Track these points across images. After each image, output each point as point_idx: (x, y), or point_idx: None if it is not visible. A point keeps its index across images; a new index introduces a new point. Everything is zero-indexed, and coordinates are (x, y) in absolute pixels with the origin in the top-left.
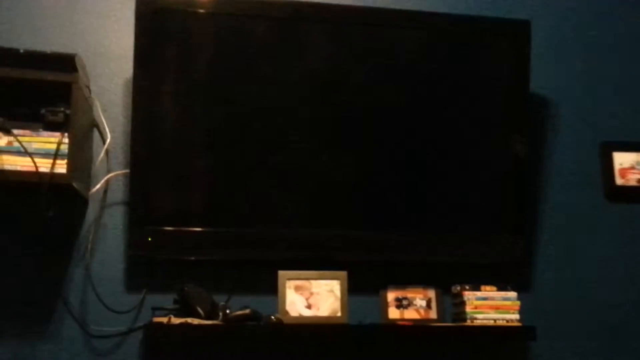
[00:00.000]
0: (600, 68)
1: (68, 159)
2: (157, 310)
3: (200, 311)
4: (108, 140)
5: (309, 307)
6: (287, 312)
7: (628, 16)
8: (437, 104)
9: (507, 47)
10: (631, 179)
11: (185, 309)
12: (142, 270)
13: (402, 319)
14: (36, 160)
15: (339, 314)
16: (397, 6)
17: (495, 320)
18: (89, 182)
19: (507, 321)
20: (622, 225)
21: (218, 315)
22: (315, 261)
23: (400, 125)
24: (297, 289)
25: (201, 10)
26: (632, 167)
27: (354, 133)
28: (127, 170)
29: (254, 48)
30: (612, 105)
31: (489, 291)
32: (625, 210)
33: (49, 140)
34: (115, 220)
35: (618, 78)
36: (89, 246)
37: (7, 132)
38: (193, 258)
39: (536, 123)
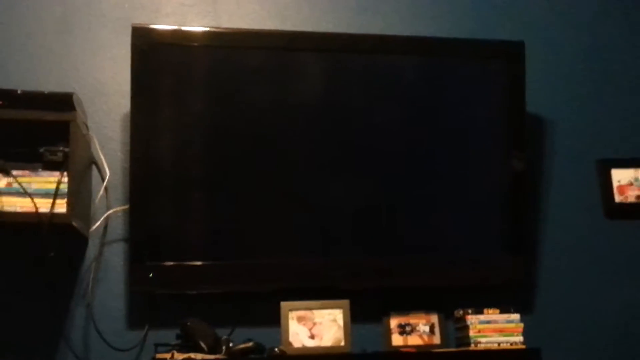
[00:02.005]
0: (595, 86)
1: (68, 198)
2: (160, 346)
3: (204, 346)
4: (107, 177)
5: (312, 337)
6: (290, 344)
7: (622, 33)
8: (435, 128)
9: (502, 68)
10: (630, 196)
11: (188, 344)
12: (144, 306)
13: (406, 346)
14: (36, 200)
15: (342, 343)
16: (391, 32)
17: (499, 343)
18: (88, 220)
19: (511, 344)
20: (622, 242)
21: (221, 349)
22: (317, 290)
23: (399, 150)
24: (300, 319)
25: (195, 44)
26: (631, 184)
27: (352, 159)
28: (127, 206)
29: (250, 79)
30: (609, 122)
31: (491, 314)
32: (625, 227)
33: (48, 180)
34: (115, 257)
35: (613, 95)
36: (90, 284)
37: (7, 173)
38: (194, 292)
39: (533, 143)
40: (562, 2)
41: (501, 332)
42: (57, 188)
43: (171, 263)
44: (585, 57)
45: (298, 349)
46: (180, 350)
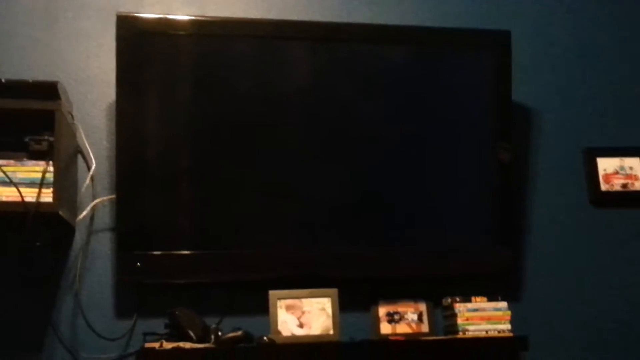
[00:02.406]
0: (580, 75)
1: (54, 188)
2: (148, 335)
3: (192, 335)
4: (93, 166)
5: (300, 326)
6: (279, 332)
7: (608, 23)
8: (422, 117)
9: (488, 57)
10: (616, 184)
11: (177, 333)
12: (132, 296)
13: (394, 334)
14: (22, 190)
15: (331, 332)
16: (379, 21)
17: (487, 331)
18: (75, 209)
19: (499, 332)
20: (608, 230)
21: (210, 338)
22: (305, 279)
23: (385, 139)
24: (289, 308)
25: (181, 32)
26: (616, 172)
27: (340, 149)
28: (113, 196)
29: (236, 67)
30: (595, 112)
31: (479, 302)
32: (611, 215)
33: (33, 169)
34: (103, 247)
35: (599, 84)
36: (78, 273)
37: None
38: (183, 281)
39: (520, 132)
40: None
41: (489, 320)
42: (43, 177)
43: (159, 252)
44: (571, 46)
45: (287, 337)
46: (168, 340)
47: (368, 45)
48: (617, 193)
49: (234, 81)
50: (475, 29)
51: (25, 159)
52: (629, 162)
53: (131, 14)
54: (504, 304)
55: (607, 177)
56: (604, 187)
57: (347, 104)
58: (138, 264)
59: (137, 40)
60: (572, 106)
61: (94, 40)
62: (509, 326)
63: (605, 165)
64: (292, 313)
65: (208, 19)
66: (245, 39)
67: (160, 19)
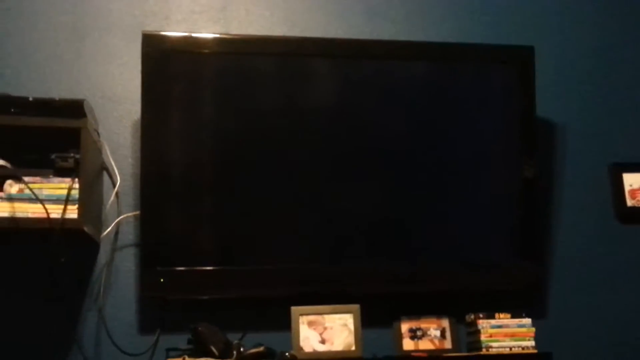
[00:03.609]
0: (605, 89)
1: (79, 204)
2: (171, 351)
3: (215, 350)
4: (118, 183)
5: (323, 342)
6: (301, 348)
7: (632, 37)
8: (446, 133)
9: (512, 73)
10: None
11: (199, 349)
12: (155, 312)
13: (417, 350)
14: (47, 206)
15: (353, 348)
16: (401, 38)
17: (510, 348)
18: (100, 226)
19: (523, 348)
20: (634, 246)
21: (232, 353)
22: (327, 295)
23: (409, 155)
24: (311, 324)
25: (206, 50)
26: None
27: (363, 165)
28: (138, 212)
29: (259, 85)
30: (620, 127)
31: (503, 319)
32: (637, 231)
33: (59, 186)
34: (127, 263)
35: (624, 98)
36: (102, 289)
37: (18, 179)
38: (206, 297)
39: (545, 147)
40: (572, 7)
41: (513, 336)
42: (69, 194)
43: (182, 268)
44: (595, 61)
45: (309, 353)
46: (191, 355)
47: (391, 61)
48: None
49: (258, 98)
50: (499, 45)
51: (51, 176)
52: None
53: (156, 33)
54: (528, 321)
55: (633, 192)
56: (630, 202)
57: (371, 120)
58: (161, 280)
59: (162, 58)
60: (597, 121)
61: (119, 59)
62: (533, 343)
63: (632, 180)
64: (314, 329)
65: (232, 36)
66: (269, 57)
67: (185, 37)
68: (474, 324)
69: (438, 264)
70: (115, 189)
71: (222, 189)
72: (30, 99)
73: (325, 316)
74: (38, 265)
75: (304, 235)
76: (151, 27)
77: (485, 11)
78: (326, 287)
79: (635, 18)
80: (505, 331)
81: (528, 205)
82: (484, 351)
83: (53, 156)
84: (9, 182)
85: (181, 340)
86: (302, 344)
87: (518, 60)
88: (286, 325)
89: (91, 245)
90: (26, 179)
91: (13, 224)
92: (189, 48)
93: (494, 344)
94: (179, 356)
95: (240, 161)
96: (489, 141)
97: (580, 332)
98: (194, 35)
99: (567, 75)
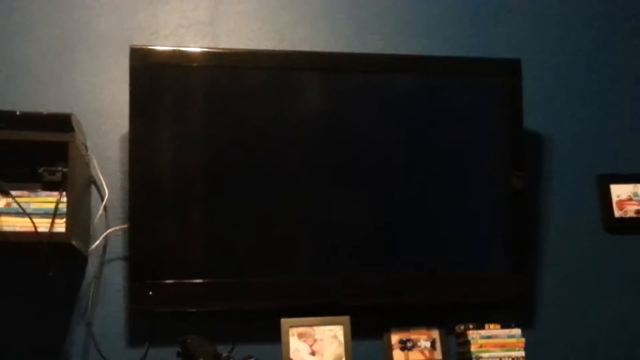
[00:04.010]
0: (592, 101)
1: (67, 218)
2: None
3: None
4: (106, 197)
5: (313, 353)
6: None
7: (620, 49)
8: (434, 146)
9: (499, 86)
10: (629, 211)
11: None
12: (144, 324)
13: None
14: (35, 220)
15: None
16: (389, 51)
17: (500, 358)
18: (88, 239)
19: (513, 359)
20: (622, 257)
21: None
22: (317, 307)
23: (397, 168)
24: (301, 336)
25: (194, 64)
26: (630, 199)
27: (353, 178)
28: (126, 225)
29: (248, 98)
30: (607, 138)
31: (493, 329)
32: (625, 242)
33: (47, 200)
34: (115, 276)
35: (611, 110)
36: (90, 303)
37: (6, 193)
38: (195, 310)
39: (532, 159)
40: (559, 20)
41: (503, 347)
42: (56, 208)
43: (171, 281)
44: (582, 73)
45: None
46: None
47: (379, 75)
48: (631, 219)
49: (246, 112)
50: (486, 58)
51: (39, 190)
52: None
53: (144, 47)
54: (517, 331)
55: (621, 203)
56: (617, 213)
57: (360, 133)
58: (150, 293)
59: (150, 72)
60: (584, 133)
61: (107, 73)
62: (523, 353)
63: (619, 191)
64: (304, 341)
65: (220, 50)
66: (257, 70)
67: (173, 51)
68: (463, 334)
69: (428, 275)
70: (104, 202)
71: (211, 201)
72: (18, 112)
73: (315, 328)
74: (26, 279)
75: (294, 247)
76: (139, 41)
77: (472, 24)
78: (316, 299)
79: (623, 30)
80: (495, 342)
81: (516, 217)
82: None
83: (41, 170)
84: None
85: (170, 353)
86: (292, 355)
87: (505, 73)
88: (276, 337)
89: (79, 259)
90: (13, 192)
91: (0, 237)
92: (177, 62)
93: (484, 355)
94: None
95: (228, 174)
96: (477, 153)
97: (569, 342)
98: (181, 49)
99: (554, 88)
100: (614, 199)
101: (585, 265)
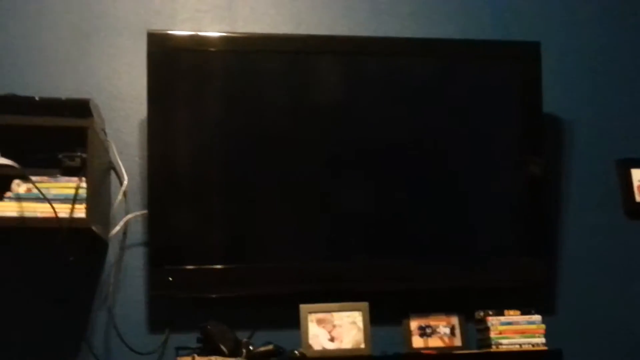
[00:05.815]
0: (612, 85)
1: (87, 203)
2: (180, 350)
3: (224, 349)
4: (125, 182)
5: (332, 339)
6: (310, 346)
7: (639, 32)
8: (452, 130)
9: (518, 69)
10: None
11: (208, 348)
12: (164, 310)
13: (427, 348)
14: (55, 205)
15: (362, 346)
16: (407, 35)
17: (520, 345)
18: (108, 225)
19: (533, 345)
20: None
21: (242, 352)
22: (336, 293)
23: (416, 152)
24: (320, 322)
25: (211, 49)
26: None
27: (370, 162)
28: (146, 211)
29: (265, 83)
30: (628, 122)
31: (512, 315)
32: None
33: (67, 185)
34: (135, 262)
35: (631, 93)
36: (111, 288)
37: (26, 179)
38: (214, 295)
39: (552, 144)
40: (579, 2)
41: (523, 333)
42: (76, 193)
43: (191, 267)
44: (602, 56)
45: (318, 351)
46: (200, 354)
47: (397, 58)
48: None
49: (264, 96)
50: (505, 41)
51: (58, 176)
52: None
53: (162, 32)
54: (538, 317)
55: None
56: (638, 198)
57: (377, 117)
58: (170, 279)
59: (168, 57)
60: (604, 117)
61: (125, 58)
62: (543, 340)
63: None
64: (323, 327)
65: (238, 35)
66: (275, 54)
67: (190, 35)
68: (483, 321)
69: (447, 261)
70: (123, 188)
71: (230, 187)
72: (37, 98)
73: (334, 314)
74: (46, 265)
75: (312, 233)
76: (157, 26)
77: (491, 7)
78: (335, 285)
79: None
80: (515, 328)
81: (536, 202)
82: (493, 348)
83: (60, 156)
84: (16, 181)
85: (190, 338)
86: (311, 341)
87: (524, 56)
88: (295, 323)
89: (99, 244)
90: (34, 178)
91: (21, 223)
92: (194, 46)
93: (504, 341)
94: (188, 355)
95: (247, 159)
96: (496, 138)
97: (590, 328)
98: (199, 33)
99: (573, 71)
100: (635, 183)
101: (605, 250)
